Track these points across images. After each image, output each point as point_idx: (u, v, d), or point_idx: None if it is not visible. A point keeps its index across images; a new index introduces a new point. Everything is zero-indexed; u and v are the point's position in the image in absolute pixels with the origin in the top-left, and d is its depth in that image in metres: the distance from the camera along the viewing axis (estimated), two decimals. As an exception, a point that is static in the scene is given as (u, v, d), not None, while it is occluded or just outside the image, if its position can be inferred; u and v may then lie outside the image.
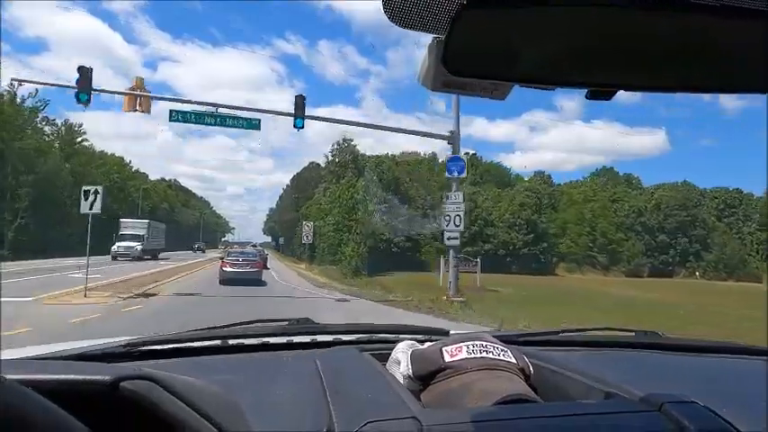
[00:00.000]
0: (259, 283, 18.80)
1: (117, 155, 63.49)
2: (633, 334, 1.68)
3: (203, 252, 65.91)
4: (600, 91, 0.60)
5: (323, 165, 56.35)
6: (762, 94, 0.61)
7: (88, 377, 0.51)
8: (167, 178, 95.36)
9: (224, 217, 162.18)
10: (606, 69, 0.58)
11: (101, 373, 0.52)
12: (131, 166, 66.67)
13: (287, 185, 79.43)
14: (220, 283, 17.94)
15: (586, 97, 0.60)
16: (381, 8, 0.59)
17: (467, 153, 46.28)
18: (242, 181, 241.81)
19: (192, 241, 80.00)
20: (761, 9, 0.57)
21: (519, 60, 0.57)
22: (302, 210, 52.33)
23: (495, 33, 0.55)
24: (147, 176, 75.31)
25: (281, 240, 64.60)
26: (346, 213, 34.69)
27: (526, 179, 63.30)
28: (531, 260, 49.96)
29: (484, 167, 60.76)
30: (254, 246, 53.36)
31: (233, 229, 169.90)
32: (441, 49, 0.56)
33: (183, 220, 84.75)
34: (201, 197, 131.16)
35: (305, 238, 34.05)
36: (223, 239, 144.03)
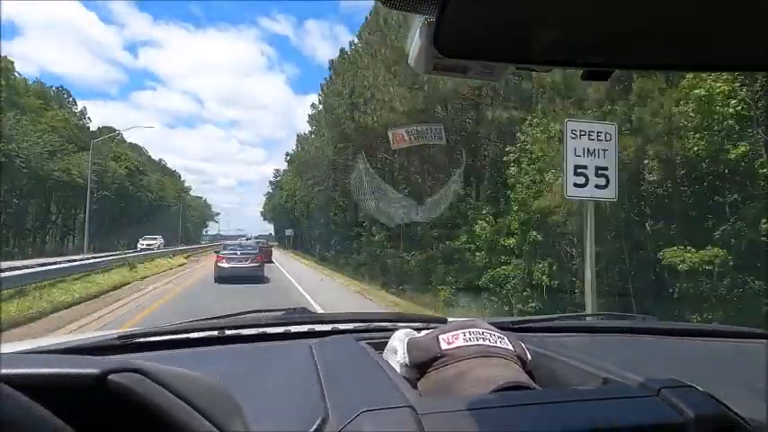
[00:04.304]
0: (261, 280, 16.59)
1: None
2: (632, 319, 1.68)
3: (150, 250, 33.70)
4: (596, 71, 0.59)
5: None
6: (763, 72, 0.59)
7: (74, 371, 0.50)
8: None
9: (201, 196, 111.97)
10: (604, 49, 0.56)
11: (88, 366, 0.51)
12: None
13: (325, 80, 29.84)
14: (216, 281, 16.01)
15: (582, 78, 0.58)
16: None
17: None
18: (233, 173, 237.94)
19: (125, 230, 43.98)
20: None
21: (513, 41, 0.55)
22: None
23: (488, 13, 0.53)
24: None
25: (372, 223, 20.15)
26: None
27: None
28: None
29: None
30: (248, 239, 39.78)
31: (218, 214, 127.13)
32: (431, 30, 0.54)
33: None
34: (166, 163, 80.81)
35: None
36: (205, 231, 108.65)
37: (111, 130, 52.39)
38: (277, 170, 69.74)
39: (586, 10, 0.53)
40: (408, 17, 0.64)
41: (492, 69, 0.65)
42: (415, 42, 0.62)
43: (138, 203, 52.45)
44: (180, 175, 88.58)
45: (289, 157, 46.87)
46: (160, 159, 78.92)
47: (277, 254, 36.42)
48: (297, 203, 45.99)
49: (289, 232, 54.50)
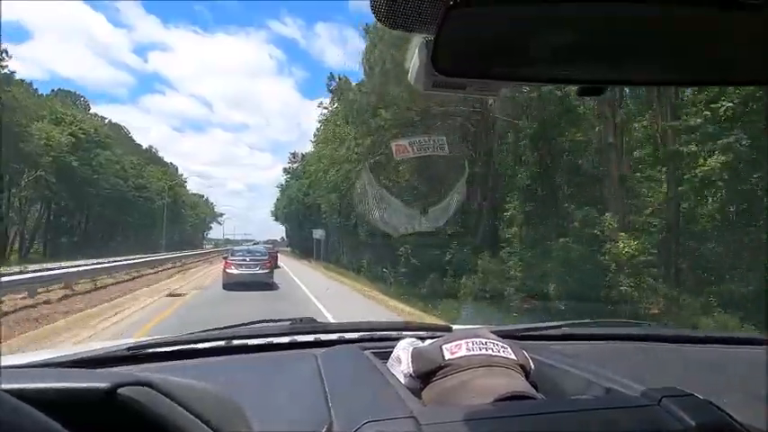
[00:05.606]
0: (270, 287, 15.97)
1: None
2: (637, 326, 1.68)
3: None
4: (590, 87, 0.60)
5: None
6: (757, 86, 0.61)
7: (84, 385, 0.51)
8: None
9: (202, 194, 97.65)
10: (597, 66, 0.58)
11: (98, 380, 0.52)
12: None
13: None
14: (224, 287, 15.57)
15: (577, 94, 0.60)
16: (370, 9, 0.60)
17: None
18: (241, 176, 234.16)
19: (89, 230, 30.59)
20: (755, 2, 0.56)
21: (509, 58, 0.57)
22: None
23: (484, 32, 0.55)
24: None
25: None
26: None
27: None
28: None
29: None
30: (255, 243, 35.04)
31: (221, 215, 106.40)
32: (430, 49, 0.56)
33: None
34: (157, 151, 68.10)
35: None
36: (206, 235, 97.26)
37: (73, 95, 44.52)
38: (294, 154, 51.96)
39: (579, 29, 0.55)
40: (409, 36, 0.66)
41: (489, 86, 0.66)
42: (414, 60, 0.65)
43: (92, 186, 33.36)
44: (177, 168, 75.29)
45: (335, 85, 23.68)
46: (150, 146, 67.89)
47: (301, 269, 26.15)
48: (325, 191, 25.97)
49: (318, 234, 33.82)
